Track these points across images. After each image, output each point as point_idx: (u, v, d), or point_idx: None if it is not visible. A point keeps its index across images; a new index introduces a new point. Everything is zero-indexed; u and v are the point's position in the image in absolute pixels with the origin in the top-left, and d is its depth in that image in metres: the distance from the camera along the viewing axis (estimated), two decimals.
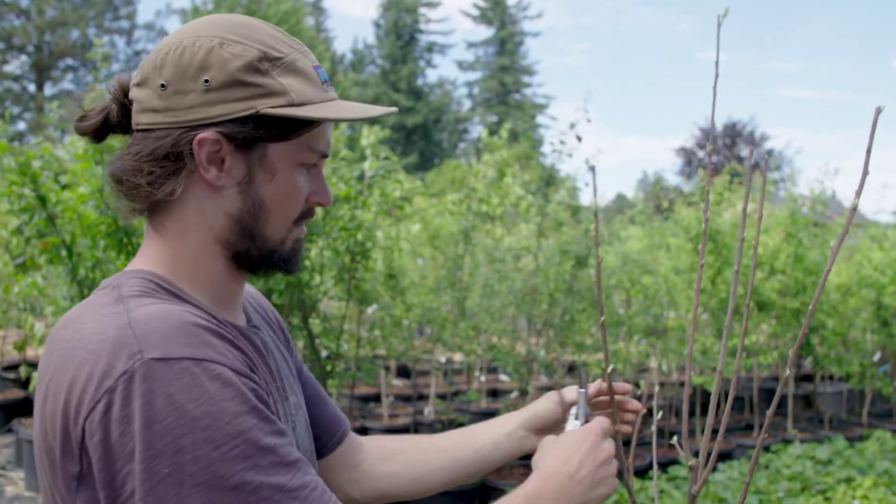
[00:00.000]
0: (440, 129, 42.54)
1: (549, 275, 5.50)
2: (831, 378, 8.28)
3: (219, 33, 0.90)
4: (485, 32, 48.09)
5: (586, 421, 1.11)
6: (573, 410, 1.13)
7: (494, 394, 7.51)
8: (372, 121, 1.08)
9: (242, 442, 0.78)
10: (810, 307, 0.87)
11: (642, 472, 5.25)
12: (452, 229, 6.04)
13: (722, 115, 35.18)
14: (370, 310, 5.48)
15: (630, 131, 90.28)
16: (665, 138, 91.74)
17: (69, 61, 29.82)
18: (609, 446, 1.03)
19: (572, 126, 4.82)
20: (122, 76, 0.97)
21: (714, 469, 5.29)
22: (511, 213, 8.26)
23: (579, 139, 4.94)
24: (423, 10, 43.79)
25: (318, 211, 4.02)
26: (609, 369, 1.03)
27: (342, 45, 78.63)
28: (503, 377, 7.67)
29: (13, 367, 7.65)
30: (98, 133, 0.97)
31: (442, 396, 7.10)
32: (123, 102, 0.95)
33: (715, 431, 6.47)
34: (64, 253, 3.37)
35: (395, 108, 1.01)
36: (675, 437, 1.10)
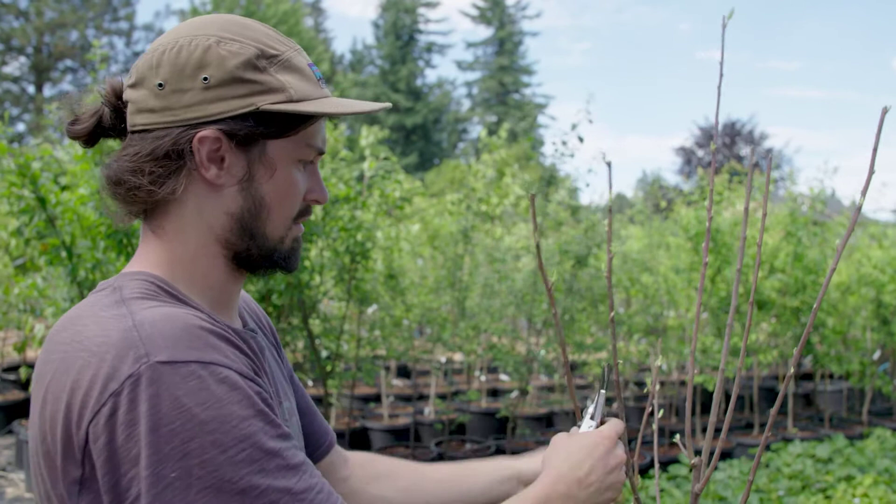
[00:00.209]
0: (439, 130, 42.53)
1: (548, 274, 5.50)
2: (831, 377, 8.29)
3: (215, 32, 0.90)
4: (484, 32, 48.20)
5: (602, 422, 1.10)
6: (589, 409, 1.12)
7: (495, 393, 7.51)
8: (370, 119, 1.07)
9: (249, 446, 0.78)
10: (815, 305, 0.87)
11: (643, 471, 5.25)
12: (452, 229, 6.04)
13: (721, 114, 35.21)
14: (370, 310, 5.48)
15: (629, 131, 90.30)
16: (664, 138, 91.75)
17: (68, 63, 29.79)
18: (621, 452, 1.03)
19: (574, 127, 4.83)
20: (114, 79, 0.96)
21: (714, 468, 5.29)
22: (510, 212, 8.26)
23: (581, 140, 4.95)
24: (421, 11, 43.79)
25: (318, 211, 4.04)
26: (617, 364, 1.03)
27: (341, 46, 78.71)
28: (503, 377, 7.67)
29: (13, 368, 7.65)
30: (90, 137, 0.97)
31: (442, 396, 7.10)
32: (116, 105, 0.95)
33: (718, 430, 6.47)
34: (64, 254, 3.37)
35: (389, 104, 1.01)
36: (677, 436, 1.10)
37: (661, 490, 4.70)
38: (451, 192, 10.42)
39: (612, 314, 0.98)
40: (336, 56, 40.55)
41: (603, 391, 1.12)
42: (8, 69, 28.79)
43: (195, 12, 31.48)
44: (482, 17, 44.33)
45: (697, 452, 1.15)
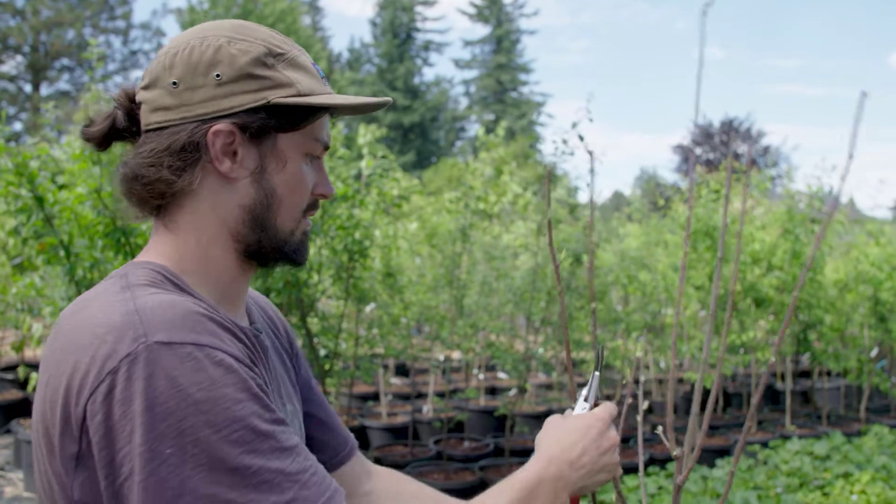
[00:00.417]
0: (437, 128, 42.49)
1: (547, 272, 5.50)
2: (829, 374, 8.30)
3: (224, 33, 0.95)
4: (481, 30, 48.18)
5: (595, 405, 1.10)
6: (583, 392, 1.12)
7: (493, 391, 7.52)
8: (368, 118, 1.08)
9: (242, 427, 0.80)
10: (795, 292, 0.87)
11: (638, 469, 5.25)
12: (450, 227, 6.04)
13: (719, 111, 35.20)
14: (368, 308, 5.48)
15: (627, 129, 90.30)
16: (662, 136, 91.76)
17: (65, 61, 29.72)
18: (614, 434, 1.03)
19: (574, 125, 4.83)
20: (126, 84, 1.00)
21: (712, 465, 5.30)
22: (508, 210, 8.26)
23: (582, 139, 4.95)
24: (419, 9, 43.73)
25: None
26: (604, 352, 1.03)
27: (339, 44, 78.64)
28: (501, 375, 7.68)
29: (11, 367, 7.64)
30: (104, 139, 1.00)
31: (440, 394, 7.11)
32: (129, 108, 0.98)
33: (712, 428, 6.47)
34: (62, 253, 3.37)
35: (390, 99, 1.04)
36: (659, 428, 1.10)
37: (659, 487, 4.71)
38: (449, 190, 10.41)
39: (594, 307, 0.99)
40: (333, 54, 40.50)
41: (597, 373, 1.12)
42: (4, 68, 28.74)
43: (192, 11, 31.43)
44: (480, 16, 44.29)
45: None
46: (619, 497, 1.15)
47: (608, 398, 7.52)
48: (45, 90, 29.66)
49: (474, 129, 42.80)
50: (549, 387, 7.69)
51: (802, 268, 6.06)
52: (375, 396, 6.99)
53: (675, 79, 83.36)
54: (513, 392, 6.07)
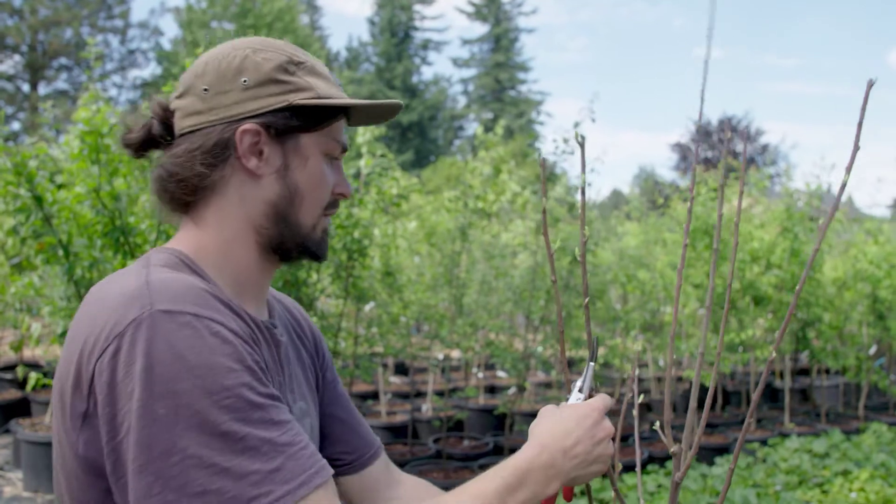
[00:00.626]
0: (435, 127, 42.47)
1: (546, 271, 5.50)
2: (827, 372, 8.31)
3: (250, 46, 1.04)
4: (480, 29, 48.15)
5: (590, 395, 1.10)
6: (578, 382, 1.11)
7: (492, 390, 7.52)
8: (383, 119, 1.17)
9: (234, 395, 0.84)
10: (797, 289, 0.87)
11: (640, 466, 5.26)
12: (449, 226, 6.04)
13: (717, 110, 35.18)
14: (367, 307, 5.48)
15: (626, 127, 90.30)
16: (661, 134, 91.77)
17: (63, 61, 29.66)
18: (609, 425, 1.03)
19: (577, 125, 4.83)
20: (160, 97, 1.08)
21: (711, 464, 5.30)
22: (507, 209, 8.26)
23: (584, 138, 4.95)
24: (417, 8, 43.70)
25: None
26: (598, 349, 1.03)
27: (337, 43, 78.59)
28: (501, 373, 7.68)
29: (10, 367, 7.63)
30: (141, 145, 1.07)
31: (440, 393, 7.11)
32: (163, 117, 1.06)
33: (711, 426, 6.47)
34: (60, 253, 3.37)
35: (401, 102, 1.12)
36: (657, 423, 1.10)
37: (658, 485, 4.71)
38: (448, 189, 10.41)
39: (587, 300, 0.98)
40: (332, 53, 40.45)
41: (592, 364, 1.11)
42: (2, 67, 28.69)
43: (190, 10, 31.39)
44: (478, 14, 44.27)
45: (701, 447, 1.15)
46: (616, 494, 1.14)
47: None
48: (42, 89, 29.62)
49: (473, 127, 42.79)
50: (548, 385, 7.70)
51: (801, 266, 6.06)
52: (375, 395, 6.99)
53: (674, 77, 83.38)
54: (512, 391, 6.07)
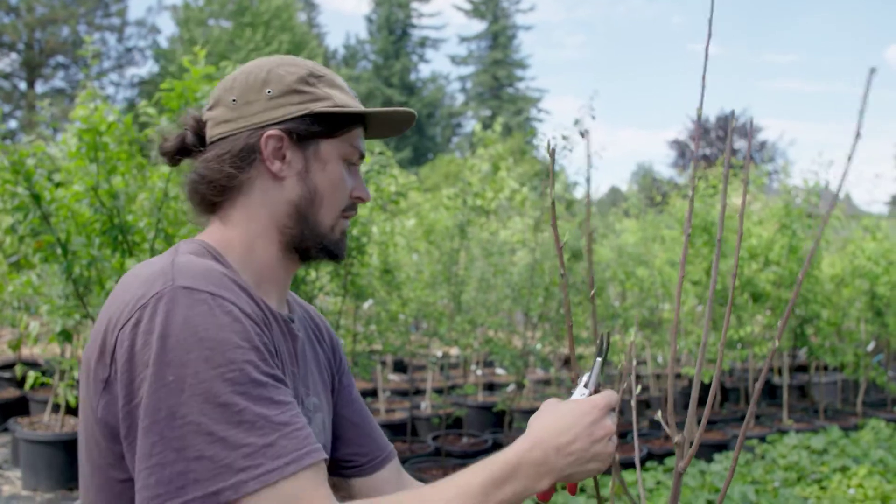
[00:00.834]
0: (433, 124, 42.44)
1: (544, 268, 5.50)
2: (826, 368, 8.33)
3: (275, 61, 1.14)
4: (477, 26, 48.11)
5: (596, 391, 1.08)
6: (584, 378, 1.09)
7: (491, 387, 7.52)
8: (397, 131, 1.24)
9: (237, 370, 0.90)
10: (796, 288, 0.87)
11: (639, 464, 5.26)
12: (448, 224, 6.03)
13: (715, 107, 35.17)
14: (366, 305, 5.48)
15: (624, 124, 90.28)
16: (658, 131, 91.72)
17: (60, 59, 29.57)
18: (611, 423, 1.01)
19: (577, 122, 4.83)
20: (193, 111, 1.18)
21: (710, 460, 5.31)
22: (506, 206, 8.26)
23: (583, 135, 4.95)
24: (415, 5, 43.64)
25: None
26: (606, 338, 1.02)
27: (334, 41, 78.33)
28: (499, 371, 7.69)
29: (8, 366, 7.62)
30: (176, 153, 1.16)
31: (438, 391, 7.11)
32: (196, 128, 1.15)
33: (712, 421, 6.45)
34: (59, 251, 3.36)
35: (413, 111, 1.19)
36: (658, 413, 1.09)
37: (657, 482, 4.72)
38: (446, 186, 10.40)
39: (593, 291, 0.98)
40: (329, 51, 40.41)
41: (599, 359, 1.09)
42: None
43: (187, 7, 31.32)
44: (475, 12, 44.22)
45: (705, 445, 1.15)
46: (623, 488, 1.14)
47: None
48: (40, 88, 29.55)
49: (471, 125, 42.78)
50: (546, 382, 7.70)
51: (800, 263, 6.07)
52: (374, 393, 7.00)
53: (671, 74, 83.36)
54: (511, 388, 6.07)
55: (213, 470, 0.86)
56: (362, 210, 4.52)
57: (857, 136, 0.91)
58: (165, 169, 3.80)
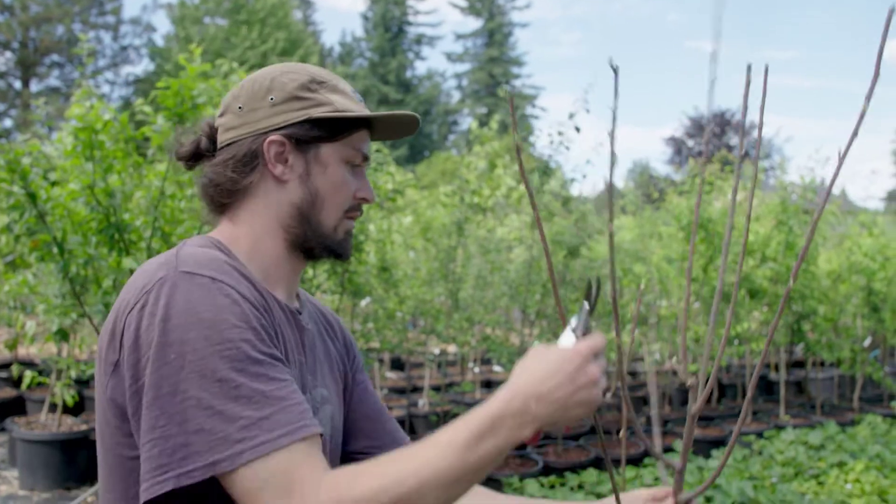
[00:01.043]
0: (430, 122, 42.40)
1: (541, 265, 5.50)
2: (822, 364, 8.34)
3: (280, 69, 1.19)
4: (473, 24, 47.90)
5: (585, 336, 1.05)
6: (573, 322, 1.07)
7: (489, 385, 7.52)
8: (402, 133, 1.27)
9: (234, 348, 0.95)
10: (790, 283, 0.87)
11: (637, 460, 5.27)
12: (445, 221, 6.03)
13: (711, 103, 35.15)
14: (363, 303, 5.48)
15: (620, 121, 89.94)
16: (654, 128, 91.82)
17: (55, 57, 29.47)
18: (595, 368, 0.99)
19: (571, 116, 4.82)
20: (208, 117, 1.24)
21: (708, 456, 5.32)
22: (502, 204, 8.26)
23: (578, 130, 4.94)
24: (411, 3, 43.58)
25: None
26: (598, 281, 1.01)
27: (330, 39, 78.19)
28: (497, 368, 7.69)
29: (5, 365, 7.61)
30: (191, 157, 1.22)
31: (436, 388, 7.11)
32: (209, 133, 1.21)
33: (709, 419, 6.46)
34: (55, 250, 3.35)
35: (416, 115, 1.23)
36: (656, 410, 1.08)
37: (655, 478, 4.72)
38: (443, 183, 10.40)
39: (611, 224, 0.98)
40: (325, 49, 40.34)
41: (586, 304, 1.08)
42: None
43: (183, 6, 31.24)
44: (471, 9, 44.17)
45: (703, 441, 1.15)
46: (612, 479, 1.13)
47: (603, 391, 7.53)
48: (34, 86, 29.46)
49: (467, 122, 42.76)
50: None
51: (796, 259, 6.07)
52: None
53: (668, 71, 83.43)
54: None
55: (211, 442, 0.91)
56: None
57: (854, 134, 0.91)
58: (162, 167, 3.80)
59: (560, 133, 4.92)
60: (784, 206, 6.24)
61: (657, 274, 6.53)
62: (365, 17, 43.55)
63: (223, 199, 1.17)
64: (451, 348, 7.97)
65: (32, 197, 3.31)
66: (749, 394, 1.05)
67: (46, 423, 5.19)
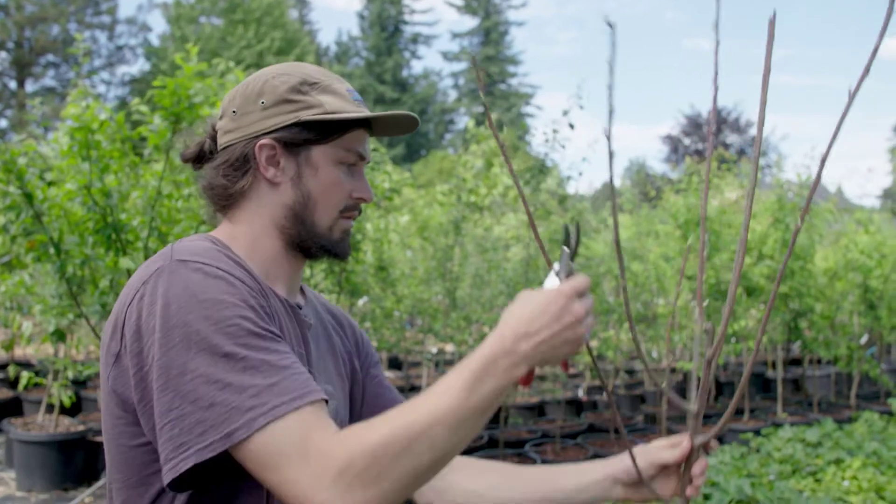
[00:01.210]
0: (426, 121, 42.38)
1: (539, 264, 5.50)
2: (819, 362, 8.36)
3: (273, 71, 1.20)
4: (469, 23, 48.00)
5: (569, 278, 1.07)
6: (556, 266, 1.09)
7: None
8: (403, 130, 1.26)
9: (234, 325, 0.99)
10: (778, 276, 0.87)
11: None
12: (442, 220, 6.02)
13: (707, 102, 35.18)
14: (361, 302, 5.47)
15: (616, 119, 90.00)
16: (651, 126, 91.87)
17: (50, 57, 29.41)
18: (578, 308, 1.01)
19: (565, 113, 4.81)
20: (213, 118, 1.26)
21: (706, 454, 5.32)
22: (499, 202, 8.26)
23: (572, 127, 4.94)
24: (407, 2, 43.55)
25: None
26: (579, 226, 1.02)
27: (326, 38, 78.21)
28: None
29: (2, 366, 7.60)
30: (196, 159, 1.25)
31: None
32: (213, 135, 1.24)
33: (706, 416, 6.46)
34: (51, 250, 3.34)
35: (415, 116, 1.23)
36: (652, 409, 1.09)
37: None
38: (440, 182, 10.40)
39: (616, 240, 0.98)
40: (321, 48, 40.30)
41: (565, 248, 1.09)
42: None
43: (178, 5, 31.19)
44: (467, 8, 44.17)
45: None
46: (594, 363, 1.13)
47: (600, 389, 7.54)
48: (30, 87, 29.39)
49: (463, 121, 42.76)
50: (542, 378, 7.71)
51: (794, 257, 6.09)
52: None
53: (664, 69, 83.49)
54: None
55: (224, 413, 0.94)
56: None
57: (837, 129, 0.91)
58: (158, 167, 3.79)
59: (555, 131, 4.92)
60: (781, 204, 6.25)
61: (654, 272, 6.54)
62: (361, 17, 43.54)
63: (220, 202, 1.20)
64: (449, 347, 7.98)
65: (29, 197, 3.30)
66: (744, 378, 1.05)
67: (43, 424, 5.18)
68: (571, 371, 8.20)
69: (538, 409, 6.58)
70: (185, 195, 3.64)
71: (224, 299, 1.00)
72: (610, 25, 1.03)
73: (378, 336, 5.49)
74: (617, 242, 1.03)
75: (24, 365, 6.99)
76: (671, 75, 77.94)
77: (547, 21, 78.41)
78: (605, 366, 7.60)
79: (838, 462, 5.08)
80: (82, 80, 4.03)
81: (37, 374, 5.88)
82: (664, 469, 1.27)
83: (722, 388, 7.54)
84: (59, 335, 4.03)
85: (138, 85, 28.76)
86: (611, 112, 0.98)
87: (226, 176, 1.18)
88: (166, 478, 0.96)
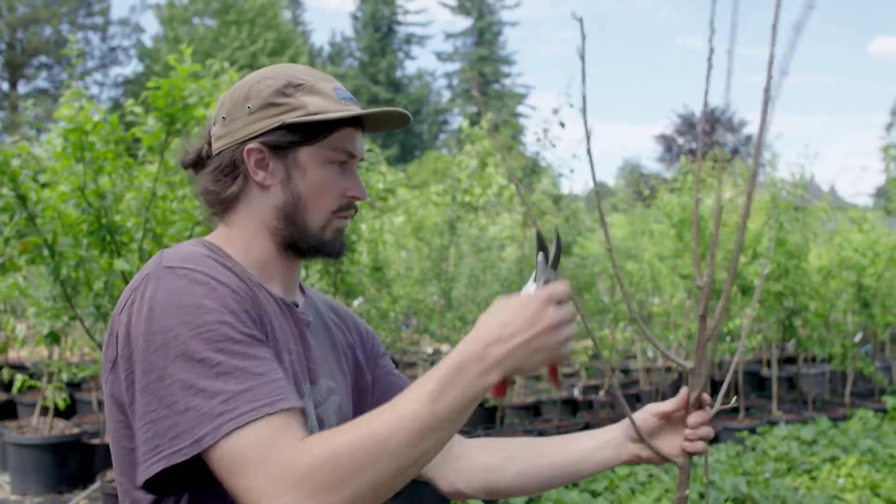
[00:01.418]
0: (420, 121, 42.38)
1: (533, 263, 5.50)
2: (814, 360, 8.39)
3: (259, 75, 1.22)
4: (463, 23, 47.99)
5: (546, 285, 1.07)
6: (534, 274, 1.09)
7: None
8: (395, 125, 1.27)
9: (213, 330, 0.99)
10: (763, 270, 0.87)
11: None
12: (437, 220, 6.02)
13: (700, 101, 35.29)
14: (356, 303, 5.46)
15: (611, 119, 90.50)
16: (645, 126, 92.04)
17: (43, 59, 29.31)
18: (552, 313, 0.99)
19: (556, 111, 4.82)
20: (210, 124, 1.27)
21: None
22: (494, 202, 8.26)
23: (563, 125, 4.95)
24: (400, 2, 43.54)
25: None
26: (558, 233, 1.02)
27: (320, 38, 78.08)
28: None
29: None
30: (194, 164, 1.26)
31: None
32: (210, 141, 1.25)
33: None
34: (46, 252, 3.33)
35: (406, 113, 1.23)
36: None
37: (650, 475, 4.74)
38: (434, 183, 10.39)
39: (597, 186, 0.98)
40: (315, 49, 40.25)
41: (541, 254, 1.09)
42: None
43: (171, 6, 31.11)
44: (461, 8, 44.17)
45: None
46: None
47: (596, 388, 7.55)
48: (22, 88, 29.29)
49: (457, 122, 42.77)
50: (538, 378, 7.72)
51: (788, 256, 6.10)
52: None
53: (658, 69, 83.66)
54: None
55: (196, 419, 0.95)
56: None
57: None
58: (153, 168, 3.77)
59: (545, 130, 4.92)
60: (775, 203, 6.26)
61: (649, 271, 6.55)
62: (354, 17, 43.49)
63: (215, 206, 1.23)
64: (445, 347, 7.96)
65: (22, 199, 3.28)
66: (731, 375, 1.05)
67: (38, 427, 5.15)
68: (566, 369, 8.21)
69: (534, 409, 6.58)
70: (180, 196, 3.62)
71: (205, 304, 1.01)
72: (578, 20, 1.03)
73: None
74: (608, 245, 1.03)
75: (19, 368, 6.97)
76: (665, 75, 78.09)
77: (540, 21, 78.50)
78: (601, 365, 7.61)
79: (833, 460, 5.10)
80: (75, 81, 4.01)
81: (31, 376, 5.85)
82: (667, 423, 1.28)
83: (716, 387, 7.56)
84: (54, 337, 4.01)
85: (131, 86, 28.68)
86: (584, 100, 0.98)
87: (217, 182, 1.20)
88: (140, 478, 0.98)
